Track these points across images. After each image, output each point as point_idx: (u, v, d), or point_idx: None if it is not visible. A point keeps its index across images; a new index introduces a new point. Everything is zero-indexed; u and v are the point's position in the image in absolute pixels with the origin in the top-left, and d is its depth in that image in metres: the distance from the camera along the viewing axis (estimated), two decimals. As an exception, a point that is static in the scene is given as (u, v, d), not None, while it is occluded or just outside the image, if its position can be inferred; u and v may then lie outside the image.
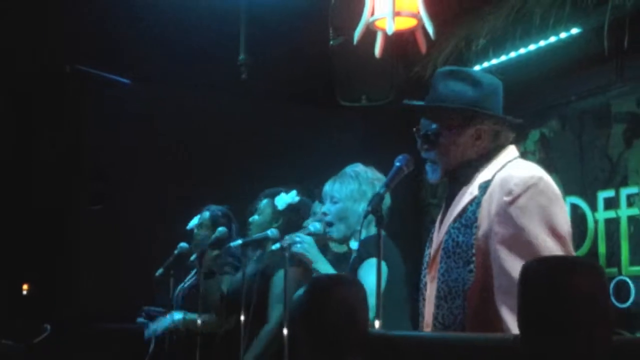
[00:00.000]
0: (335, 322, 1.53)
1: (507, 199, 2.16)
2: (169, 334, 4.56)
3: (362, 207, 3.30)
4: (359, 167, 3.51)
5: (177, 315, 4.54)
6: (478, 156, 2.39)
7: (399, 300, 3.14)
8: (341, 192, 3.45)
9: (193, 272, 4.61)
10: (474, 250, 2.19)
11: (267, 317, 4.01)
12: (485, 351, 1.31)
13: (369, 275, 3.14)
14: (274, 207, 4.23)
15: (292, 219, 4.15)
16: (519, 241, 2.10)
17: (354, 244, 3.36)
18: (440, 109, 2.44)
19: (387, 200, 3.34)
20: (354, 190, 3.43)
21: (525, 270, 1.16)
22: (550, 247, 2.05)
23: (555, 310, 1.13)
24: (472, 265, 2.18)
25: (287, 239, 3.46)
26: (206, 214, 4.84)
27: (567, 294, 1.12)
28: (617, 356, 1.12)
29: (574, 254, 2.23)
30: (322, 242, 3.72)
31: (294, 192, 4.23)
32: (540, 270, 1.15)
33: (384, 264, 3.21)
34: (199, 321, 4.27)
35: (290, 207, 4.19)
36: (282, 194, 4.19)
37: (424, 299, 2.45)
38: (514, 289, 2.03)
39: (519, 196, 2.15)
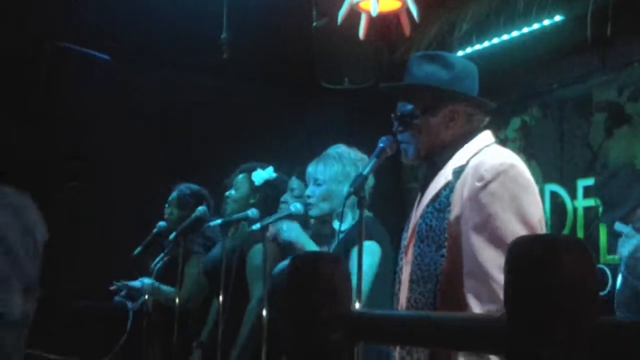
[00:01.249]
0: (317, 300, 1.51)
1: (478, 184, 2.17)
2: (144, 312, 4.54)
3: (345, 188, 3.29)
4: (341, 148, 3.50)
5: (147, 280, 4.54)
6: (452, 139, 2.40)
7: (390, 281, 3.15)
8: (325, 174, 3.44)
9: (168, 249, 4.58)
10: (446, 235, 2.20)
11: (247, 295, 3.98)
12: (467, 330, 1.29)
13: (365, 258, 3.14)
14: (251, 182, 4.21)
15: (269, 194, 4.14)
16: (488, 227, 2.11)
17: (336, 224, 3.35)
18: (414, 90, 2.45)
19: (371, 181, 3.34)
20: (337, 171, 3.42)
21: (512, 249, 1.15)
22: (519, 232, 2.07)
23: (541, 291, 1.11)
24: (444, 250, 2.20)
25: (273, 228, 3.45)
26: (174, 193, 4.85)
27: (552, 274, 1.10)
28: (603, 337, 1.11)
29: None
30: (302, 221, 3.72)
31: (270, 168, 4.21)
32: (528, 250, 1.14)
33: (377, 245, 3.22)
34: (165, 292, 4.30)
35: (268, 183, 4.17)
36: (259, 170, 4.17)
37: (399, 282, 2.46)
38: (481, 275, 2.05)
39: (489, 182, 2.16)
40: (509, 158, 2.26)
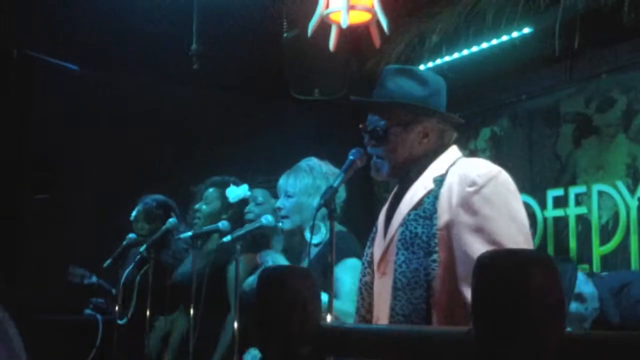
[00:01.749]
0: (286, 314, 1.51)
1: (470, 189, 2.19)
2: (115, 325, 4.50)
3: (316, 201, 3.28)
4: (313, 161, 3.50)
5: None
6: (424, 154, 2.42)
7: None
8: (295, 187, 3.43)
9: (137, 260, 4.54)
10: (436, 240, 2.21)
11: (220, 307, 3.94)
12: (437, 343, 1.30)
13: (346, 275, 3.14)
14: (224, 198, 4.18)
15: (242, 211, 4.12)
16: (484, 230, 2.13)
17: (307, 236, 3.35)
18: (390, 106, 2.45)
19: (342, 194, 3.34)
20: (308, 184, 3.42)
21: (479, 263, 1.15)
22: (514, 235, 2.12)
23: (507, 304, 1.12)
24: (435, 255, 2.20)
25: (259, 259, 3.44)
26: (139, 207, 4.80)
27: (519, 289, 1.11)
28: (568, 352, 1.12)
29: (532, 243, 2.29)
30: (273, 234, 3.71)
31: (245, 186, 4.19)
32: (494, 263, 1.15)
33: (358, 261, 3.21)
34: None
35: (242, 201, 4.16)
36: (233, 187, 4.14)
37: (363, 300, 2.46)
38: None
39: (482, 186, 2.19)
40: (495, 165, 2.30)
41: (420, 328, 1.69)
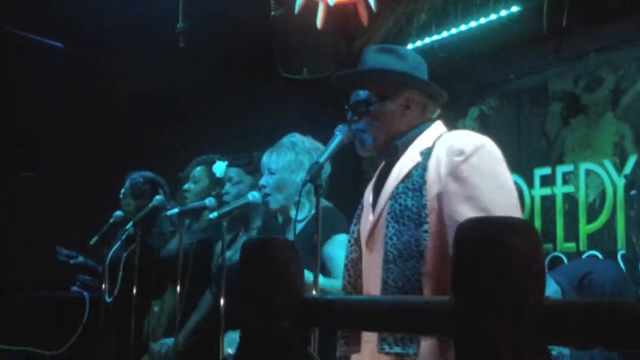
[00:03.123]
0: (269, 286, 1.50)
1: (458, 158, 2.19)
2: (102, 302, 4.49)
3: (300, 177, 3.27)
4: (295, 137, 3.49)
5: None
6: (407, 128, 2.42)
7: None
8: (278, 163, 3.42)
9: (123, 237, 4.52)
10: (427, 211, 2.21)
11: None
12: (418, 313, 1.30)
13: (339, 251, 3.13)
14: (211, 174, 4.17)
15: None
16: (473, 197, 2.14)
17: (293, 213, 3.34)
18: (369, 75, 2.46)
19: (327, 169, 3.33)
20: (291, 160, 3.40)
21: (459, 232, 1.15)
22: (503, 202, 2.14)
23: (488, 272, 1.12)
24: (426, 226, 2.20)
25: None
26: (127, 183, 4.80)
27: (500, 256, 1.11)
28: (550, 318, 1.12)
29: (520, 210, 2.30)
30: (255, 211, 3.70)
31: (225, 162, 4.17)
32: (474, 231, 1.14)
33: (346, 236, 3.21)
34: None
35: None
36: (219, 162, 4.13)
37: (349, 276, 2.47)
38: None
39: (470, 155, 2.20)
40: (481, 135, 2.31)
41: (400, 298, 1.69)
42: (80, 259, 5.10)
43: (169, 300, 4.33)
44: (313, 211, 3.29)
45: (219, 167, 4.09)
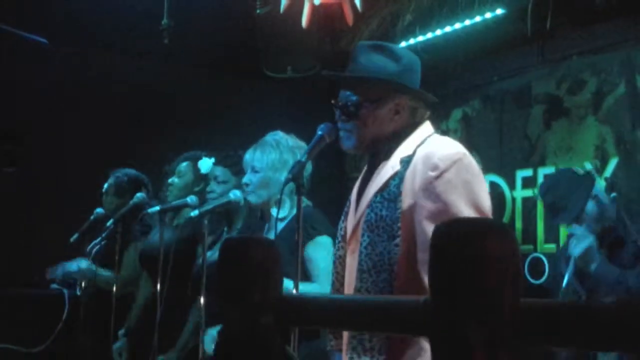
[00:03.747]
0: (248, 283, 1.51)
1: (432, 173, 2.18)
2: (81, 299, 4.47)
3: (283, 176, 3.27)
4: (279, 135, 3.48)
5: (83, 263, 4.46)
6: (395, 131, 2.41)
7: None
8: (262, 162, 3.41)
9: (105, 233, 4.51)
10: (399, 224, 2.20)
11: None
12: (394, 313, 1.30)
13: (319, 252, 3.13)
14: (196, 170, 4.16)
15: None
16: (444, 215, 2.11)
17: (274, 211, 3.34)
18: (362, 81, 2.44)
19: (309, 168, 3.33)
20: (275, 159, 3.39)
21: (436, 233, 1.15)
22: None
23: (464, 272, 1.12)
24: (398, 239, 2.19)
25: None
26: (110, 180, 4.77)
27: (476, 257, 1.11)
28: (525, 319, 1.13)
29: None
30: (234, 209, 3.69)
31: (213, 159, 4.16)
32: (451, 232, 1.15)
33: (330, 239, 3.20)
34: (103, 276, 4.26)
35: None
36: (205, 158, 4.12)
37: (337, 273, 2.46)
38: None
39: (444, 171, 2.18)
40: (460, 147, 2.29)
41: (378, 298, 1.69)
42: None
43: (144, 293, 4.30)
44: (294, 210, 3.30)
45: (205, 164, 4.09)
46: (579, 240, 3.64)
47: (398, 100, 2.40)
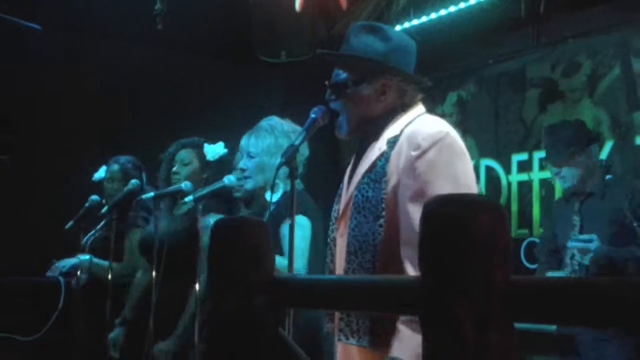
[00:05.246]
0: (241, 265, 1.50)
1: (414, 153, 2.17)
2: (78, 285, 4.46)
3: (279, 160, 3.26)
4: (274, 120, 3.47)
5: (84, 257, 4.44)
6: (383, 112, 2.40)
7: (323, 253, 3.14)
8: (257, 147, 3.40)
9: (102, 223, 4.49)
10: (383, 205, 2.20)
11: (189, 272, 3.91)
12: (387, 292, 1.30)
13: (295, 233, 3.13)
14: (201, 157, 4.11)
15: (220, 170, 4.06)
16: (424, 195, 2.09)
17: (268, 195, 3.33)
18: (348, 59, 2.44)
19: (305, 152, 3.32)
20: (270, 144, 3.39)
21: (425, 209, 1.15)
22: None
23: (454, 250, 1.12)
24: (381, 220, 2.19)
25: (202, 222, 3.41)
26: (115, 167, 4.69)
27: (466, 233, 1.11)
28: (516, 296, 1.13)
29: None
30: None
31: (221, 144, 4.13)
32: (441, 208, 1.14)
33: (306, 219, 3.21)
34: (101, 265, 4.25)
35: (220, 159, 4.10)
36: (209, 145, 4.09)
37: (332, 255, 2.46)
38: (417, 242, 2.06)
39: (426, 151, 2.17)
40: (444, 126, 2.26)
41: (371, 277, 1.69)
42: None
43: (141, 282, 4.28)
44: (280, 193, 3.30)
45: (211, 150, 4.05)
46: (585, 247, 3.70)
47: (384, 81, 2.39)
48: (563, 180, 3.92)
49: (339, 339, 2.20)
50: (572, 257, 3.80)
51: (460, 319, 1.12)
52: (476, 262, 1.11)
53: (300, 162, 3.22)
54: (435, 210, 1.16)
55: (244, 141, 3.47)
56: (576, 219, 3.88)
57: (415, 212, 2.09)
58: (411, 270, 2.07)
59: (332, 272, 2.47)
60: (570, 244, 3.77)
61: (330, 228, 2.52)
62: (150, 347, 3.73)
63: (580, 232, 3.80)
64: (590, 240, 3.67)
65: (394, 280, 1.34)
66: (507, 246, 1.14)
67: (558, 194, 5.10)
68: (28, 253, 5.05)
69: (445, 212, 1.14)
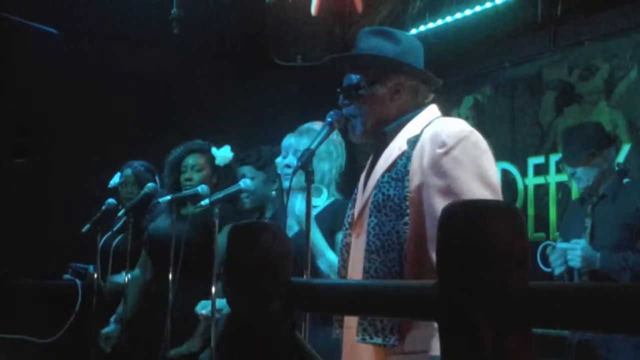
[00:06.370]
0: (256, 270, 1.50)
1: (440, 150, 2.17)
2: (94, 291, 4.48)
3: (326, 166, 3.27)
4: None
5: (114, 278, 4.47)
6: (397, 112, 2.40)
7: None
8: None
9: (118, 225, 4.51)
10: (407, 203, 2.20)
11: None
12: (404, 297, 1.30)
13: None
14: (211, 162, 4.11)
15: (227, 174, 4.07)
16: (452, 191, 2.11)
17: (316, 201, 3.30)
18: (358, 59, 2.45)
19: (343, 162, 3.34)
20: (319, 149, 3.33)
21: (444, 214, 1.15)
22: (483, 196, 2.09)
23: (472, 255, 1.12)
24: (406, 218, 2.19)
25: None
26: (128, 171, 4.73)
27: (484, 238, 1.10)
28: (534, 302, 1.12)
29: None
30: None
31: (228, 148, 4.13)
32: (459, 213, 1.14)
33: None
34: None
35: (228, 164, 4.10)
36: (218, 150, 4.09)
37: (343, 260, 2.46)
38: None
39: (452, 148, 2.17)
40: (467, 125, 2.27)
41: (387, 282, 1.68)
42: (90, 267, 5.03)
43: (141, 280, 4.27)
44: (329, 200, 3.28)
45: (221, 155, 4.04)
46: (572, 252, 3.70)
47: (398, 80, 2.39)
48: (578, 181, 3.93)
49: (362, 339, 2.18)
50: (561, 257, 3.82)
51: (478, 325, 1.11)
52: (494, 268, 1.10)
53: (337, 172, 3.26)
54: (452, 216, 1.15)
55: (293, 140, 3.40)
56: (587, 222, 3.86)
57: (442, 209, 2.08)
58: None
59: (343, 278, 2.47)
60: (559, 245, 3.81)
61: (344, 233, 2.52)
62: (167, 349, 3.74)
63: (592, 236, 3.79)
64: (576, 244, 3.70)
65: (411, 286, 1.33)
66: (525, 252, 1.14)
67: (575, 197, 5.08)
68: (45, 256, 5.08)
69: (463, 217, 1.14)
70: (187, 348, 3.86)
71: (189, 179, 4.09)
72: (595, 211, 3.87)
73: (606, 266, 3.65)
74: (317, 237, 3.04)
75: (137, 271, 4.29)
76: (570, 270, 3.78)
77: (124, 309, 4.18)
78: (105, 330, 4.28)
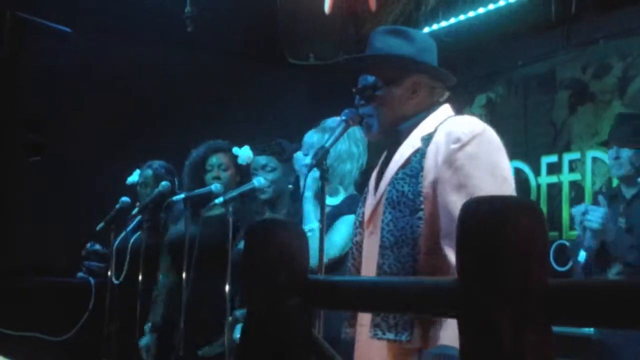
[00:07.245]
0: (273, 266, 1.51)
1: (454, 146, 2.18)
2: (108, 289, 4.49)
3: (347, 166, 3.26)
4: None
5: None
6: (414, 111, 2.40)
7: None
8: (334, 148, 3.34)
9: (132, 224, 4.51)
10: (421, 199, 2.20)
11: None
12: (423, 294, 1.30)
13: (340, 227, 3.12)
14: (234, 161, 4.10)
15: (247, 173, 4.05)
16: (466, 187, 2.12)
17: (328, 200, 3.29)
18: (376, 61, 2.45)
19: (364, 161, 3.32)
20: (342, 149, 3.31)
21: (464, 210, 1.15)
22: (496, 192, 2.09)
23: (492, 251, 1.12)
24: (420, 213, 2.19)
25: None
26: (148, 172, 4.70)
27: (504, 234, 1.10)
28: (554, 299, 1.12)
29: None
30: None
31: (248, 147, 4.11)
32: (480, 210, 1.14)
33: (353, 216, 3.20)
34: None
35: (248, 163, 4.09)
36: (240, 149, 4.07)
37: (354, 259, 2.47)
38: None
39: (466, 143, 2.17)
40: (481, 122, 2.28)
41: (407, 279, 1.68)
42: (97, 246, 5.06)
43: (166, 284, 4.27)
44: (341, 199, 3.27)
45: (243, 154, 4.03)
46: (594, 211, 3.64)
47: (414, 79, 2.39)
48: (619, 166, 3.81)
49: (375, 335, 2.18)
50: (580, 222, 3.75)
51: (498, 321, 1.11)
52: (514, 264, 1.10)
53: (357, 170, 3.25)
54: (472, 211, 1.15)
55: (316, 137, 3.35)
56: (622, 221, 3.80)
57: (456, 204, 2.08)
58: (454, 258, 2.05)
59: (358, 271, 2.48)
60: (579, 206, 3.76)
61: (354, 232, 2.52)
62: (179, 348, 3.74)
63: (630, 235, 3.73)
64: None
65: (431, 282, 1.34)
66: (545, 248, 1.14)
67: (588, 196, 5.07)
68: (59, 254, 5.10)
69: (483, 213, 1.14)
70: (214, 350, 3.84)
71: (217, 177, 4.08)
72: (630, 210, 3.79)
73: (618, 240, 3.61)
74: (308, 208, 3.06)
75: (162, 277, 4.29)
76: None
77: (153, 316, 4.19)
78: (143, 342, 4.24)
